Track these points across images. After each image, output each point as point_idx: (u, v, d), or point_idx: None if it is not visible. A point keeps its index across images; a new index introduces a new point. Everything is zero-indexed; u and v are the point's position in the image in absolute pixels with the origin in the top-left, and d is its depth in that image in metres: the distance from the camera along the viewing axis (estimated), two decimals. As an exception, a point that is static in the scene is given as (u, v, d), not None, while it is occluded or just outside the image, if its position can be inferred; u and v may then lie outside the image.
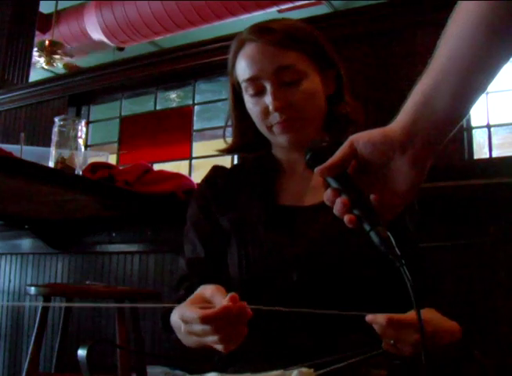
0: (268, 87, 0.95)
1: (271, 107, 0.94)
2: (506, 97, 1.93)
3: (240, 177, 1.05)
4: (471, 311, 1.46)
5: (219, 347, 0.69)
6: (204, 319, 0.67)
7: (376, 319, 0.72)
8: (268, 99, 0.95)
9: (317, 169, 0.65)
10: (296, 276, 0.89)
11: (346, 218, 0.62)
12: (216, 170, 1.09)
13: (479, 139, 1.92)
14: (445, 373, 0.86)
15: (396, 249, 0.61)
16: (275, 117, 0.95)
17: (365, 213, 0.62)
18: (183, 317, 0.71)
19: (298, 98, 0.95)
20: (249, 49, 0.97)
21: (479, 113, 1.90)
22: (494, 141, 1.89)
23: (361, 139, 0.64)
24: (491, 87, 1.96)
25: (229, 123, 1.07)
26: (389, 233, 0.61)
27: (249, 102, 0.99)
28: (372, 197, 0.63)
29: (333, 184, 0.65)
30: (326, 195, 0.65)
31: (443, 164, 1.72)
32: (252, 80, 0.96)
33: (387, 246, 0.61)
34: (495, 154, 1.87)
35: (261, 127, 0.99)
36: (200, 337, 0.71)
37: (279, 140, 0.98)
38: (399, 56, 1.94)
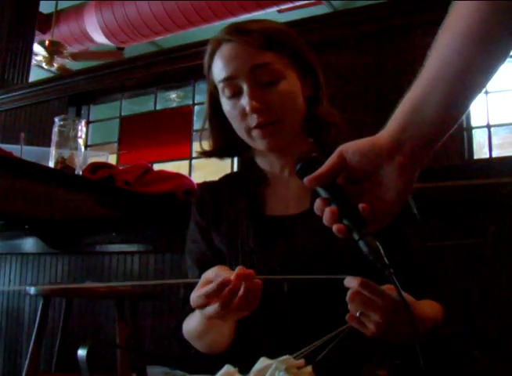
0: (245, 87, 0.92)
1: (248, 108, 0.91)
2: (506, 97, 1.94)
3: (227, 190, 1.04)
4: (471, 311, 1.46)
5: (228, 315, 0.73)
6: (207, 295, 0.71)
7: (351, 282, 0.71)
8: (244, 100, 0.92)
9: (306, 179, 0.65)
10: (287, 286, 0.89)
11: (335, 227, 0.63)
12: (202, 187, 1.08)
13: (479, 139, 1.92)
14: (445, 372, 0.87)
15: (385, 258, 0.61)
16: (252, 120, 0.92)
17: (354, 222, 0.63)
18: (194, 302, 0.75)
19: (276, 99, 0.92)
20: (225, 49, 0.95)
21: (479, 113, 1.91)
22: (494, 141, 1.89)
23: (350, 148, 0.64)
24: (491, 87, 1.97)
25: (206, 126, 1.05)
26: (378, 243, 0.62)
27: (226, 104, 0.96)
28: (361, 205, 0.63)
29: (323, 193, 0.65)
30: (316, 204, 0.65)
31: (443, 164, 1.72)
32: (228, 80, 0.93)
33: (375, 255, 0.61)
34: (495, 154, 1.87)
35: (240, 131, 0.96)
36: (215, 316, 0.74)
37: (258, 145, 0.96)
38: (399, 55, 1.94)
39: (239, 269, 0.71)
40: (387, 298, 0.70)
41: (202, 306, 0.74)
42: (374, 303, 0.70)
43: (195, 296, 0.74)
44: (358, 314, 0.71)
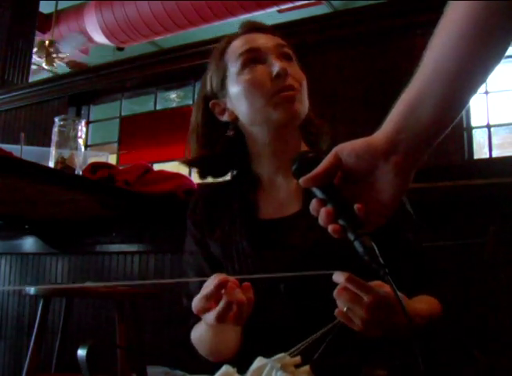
0: (271, 56, 0.95)
1: (277, 69, 0.92)
2: (506, 97, 1.94)
3: (220, 196, 1.05)
4: (471, 311, 1.46)
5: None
6: (206, 297, 0.73)
7: (339, 277, 0.72)
8: (274, 65, 0.93)
9: (302, 179, 0.66)
10: (283, 287, 0.89)
11: (330, 227, 0.63)
12: (195, 196, 1.09)
13: (479, 139, 1.92)
14: (445, 372, 0.87)
15: (380, 258, 0.61)
16: (279, 82, 0.92)
17: (350, 223, 0.63)
18: (195, 307, 0.76)
19: (296, 71, 0.97)
20: (246, 36, 0.99)
21: (479, 113, 1.90)
22: (494, 141, 1.89)
23: (345, 149, 0.64)
24: (491, 87, 1.97)
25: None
26: (373, 243, 0.62)
27: (245, 75, 0.95)
28: (356, 206, 0.63)
29: (318, 194, 0.66)
30: (312, 205, 0.66)
31: (443, 164, 1.72)
32: (253, 51, 0.95)
33: (371, 255, 0.61)
34: (495, 154, 1.87)
35: (259, 99, 0.94)
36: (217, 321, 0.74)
37: (275, 114, 0.94)
38: (399, 55, 1.94)
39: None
40: (372, 293, 0.71)
41: (203, 310, 0.75)
42: (360, 299, 0.71)
43: (195, 302, 0.76)
44: (345, 309, 0.71)
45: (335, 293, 0.72)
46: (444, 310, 0.87)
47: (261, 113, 0.95)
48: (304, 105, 0.97)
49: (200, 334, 0.93)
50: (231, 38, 1.00)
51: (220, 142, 1.02)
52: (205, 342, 0.92)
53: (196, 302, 0.75)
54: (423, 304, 0.84)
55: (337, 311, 0.73)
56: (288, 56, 0.98)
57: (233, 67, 0.97)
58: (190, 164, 1.07)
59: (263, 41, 0.97)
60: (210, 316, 0.74)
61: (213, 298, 0.72)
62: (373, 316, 0.70)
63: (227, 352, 0.90)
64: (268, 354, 0.70)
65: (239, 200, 1.01)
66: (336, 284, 0.73)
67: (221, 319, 0.72)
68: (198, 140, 1.04)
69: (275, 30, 1.01)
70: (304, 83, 0.98)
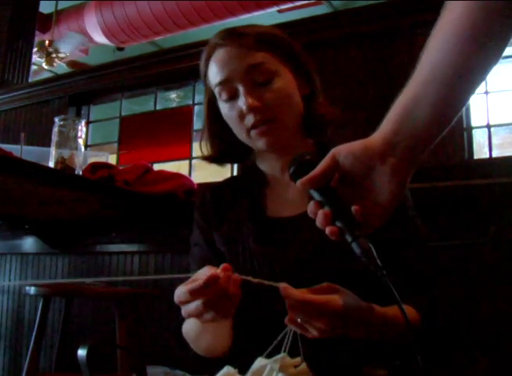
0: (241, 88, 0.93)
1: (244, 108, 0.92)
2: (506, 97, 1.94)
3: (229, 193, 1.04)
4: (471, 311, 1.46)
5: (208, 316, 0.69)
6: (192, 292, 0.68)
7: (288, 294, 0.69)
8: (241, 101, 0.93)
9: (299, 182, 0.66)
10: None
11: (328, 229, 0.63)
12: (204, 190, 1.09)
13: (479, 139, 1.92)
14: (445, 372, 0.87)
15: (377, 260, 0.61)
16: (249, 119, 0.93)
17: (347, 224, 0.63)
18: (178, 299, 0.71)
19: (271, 97, 0.93)
20: (219, 54, 0.96)
21: (479, 113, 1.90)
22: (494, 141, 1.89)
23: (342, 151, 0.65)
24: (491, 87, 1.97)
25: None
26: (370, 245, 0.62)
27: (224, 108, 0.97)
28: (354, 207, 0.63)
29: (316, 196, 0.66)
30: (309, 207, 0.66)
31: (443, 164, 1.72)
32: (224, 83, 0.95)
33: (368, 257, 0.62)
34: (495, 154, 1.87)
35: (239, 132, 0.97)
36: (195, 315, 0.70)
37: (257, 145, 0.96)
38: (399, 55, 1.94)
39: (222, 267, 0.70)
40: (332, 309, 0.69)
41: (183, 303, 0.71)
42: (317, 314, 0.69)
43: (179, 292, 0.72)
44: (299, 320, 0.70)
45: (287, 306, 0.69)
46: (424, 319, 0.84)
47: (245, 141, 0.98)
48: (282, 130, 0.95)
49: (189, 327, 0.92)
50: (209, 54, 0.99)
51: (229, 138, 1.02)
52: (194, 337, 0.92)
53: (179, 294, 0.71)
54: (390, 311, 0.82)
55: (288, 319, 0.70)
56: (262, 76, 0.94)
57: (215, 90, 0.98)
58: (210, 161, 1.06)
59: (232, 66, 0.94)
60: (191, 306, 0.70)
61: (198, 294, 0.68)
62: (334, 325, 0.69)
63: (217, 349, 0.89)
64: (269, 353, 0.70)
65: (247, 197, 1.01)
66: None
67: (208, 305, 0.68)
68: (211, 137, 1.05)
69: (246, 39, 0.95)
70: (286, 100, 0.95)
